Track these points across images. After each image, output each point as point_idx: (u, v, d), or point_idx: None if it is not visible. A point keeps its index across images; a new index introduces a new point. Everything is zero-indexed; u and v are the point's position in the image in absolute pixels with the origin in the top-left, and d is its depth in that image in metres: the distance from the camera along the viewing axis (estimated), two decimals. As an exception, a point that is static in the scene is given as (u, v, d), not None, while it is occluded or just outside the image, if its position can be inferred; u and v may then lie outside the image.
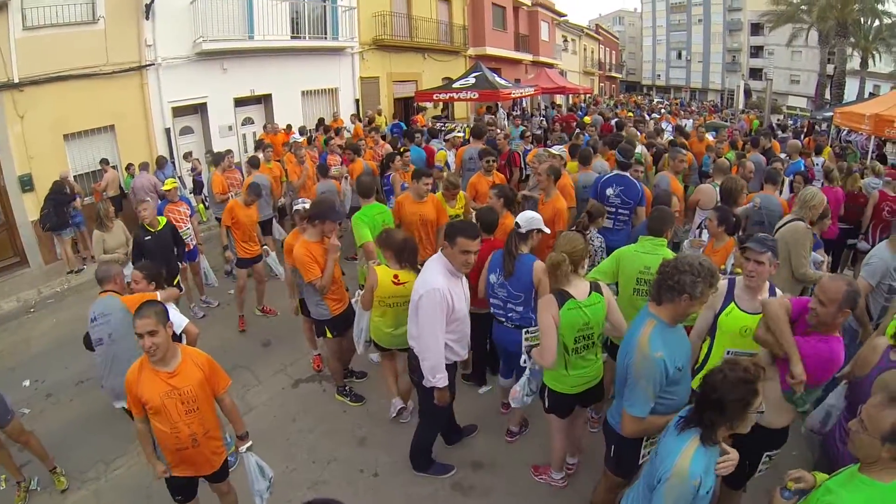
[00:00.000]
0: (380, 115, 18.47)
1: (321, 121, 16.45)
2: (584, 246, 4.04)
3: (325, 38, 18.01)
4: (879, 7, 31.50)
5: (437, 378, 4.11)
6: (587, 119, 17.45)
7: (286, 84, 16.92)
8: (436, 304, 3.98)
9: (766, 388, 3.08)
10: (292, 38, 16.66)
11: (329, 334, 5.62)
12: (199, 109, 14.71)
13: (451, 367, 4.34)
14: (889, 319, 4.29)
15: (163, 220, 7.17)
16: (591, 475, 4.53)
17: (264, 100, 16.72)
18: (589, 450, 4.89)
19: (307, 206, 5.96)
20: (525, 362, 4.36)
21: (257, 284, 8.07)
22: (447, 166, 10.42)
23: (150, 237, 6.90)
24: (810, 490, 2.64)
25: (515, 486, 4.72)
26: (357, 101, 19.97)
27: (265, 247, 8.05)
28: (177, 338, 4.49)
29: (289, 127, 15.59)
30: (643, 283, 4.55)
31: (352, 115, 18.07)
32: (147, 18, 12.56)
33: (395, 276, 4.84)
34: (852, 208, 8.03)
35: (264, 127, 15.41)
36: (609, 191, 7.01)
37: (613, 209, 6.94)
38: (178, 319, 4.76)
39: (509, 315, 4.71)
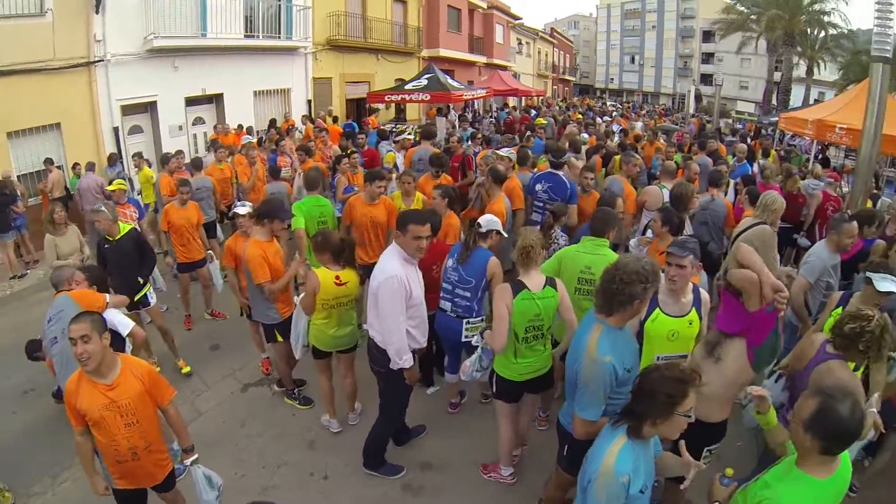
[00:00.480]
0: (331, 115, 18.43)
1: (273, 121, 16.32)
2: (541, 239, 4.22)
3: (279, 37, 17.84)
4: (825, 18, 32.82)
5: (403, 360, 4.24)
6: (540, 121, 17.77)
7: (238, 84, 16.74)
8: (395, 290, 4.09)
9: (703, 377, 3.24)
10: (246, 36, 16.45)
11: (279, 338, 5.57)
12: (149, 108, 14.44)
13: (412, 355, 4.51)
14: (826, 315, 4.57)
15: (124, 228, 6.47)
16: (540, 472, 4.64)
17: (216, 99, 16.49)
18: (537, 447, 5.04)
19: (246, 209, 6.06)
20: (477, 341, 4.45)
21: (203, 289, 7.90)
22: (396, 168, 10.44)
23: (109, 246, 6.34)
24: (748, 479, 2.74)
25: (465, 485, 4.82)
26: (309, 101, 19.92)
27: (209, 252, 7.75)
28: (122, 341, 4.50)
29: (240, 127, 15.42)
30: (585, 282, 4.66)
31: (303, 116, 18.00)
32: (97, 13, 12.27)
33: (337, 277, 4.87)
34: (792, 208, 8.40)
35: (215, 127, 15.16)
36: (538, 186, 7.37)
37: (541, 204, 7.31)
38: (124, 322, 4.70)
39: (455, 300, 4.91)
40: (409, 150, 10.66)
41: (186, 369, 6.56)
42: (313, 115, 18.74)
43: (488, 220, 4.97)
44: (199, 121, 16.22)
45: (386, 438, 4.90)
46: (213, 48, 15.37)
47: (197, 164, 9.34)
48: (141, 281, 6.38)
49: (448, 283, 4.99)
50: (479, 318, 4.95)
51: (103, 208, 6.39)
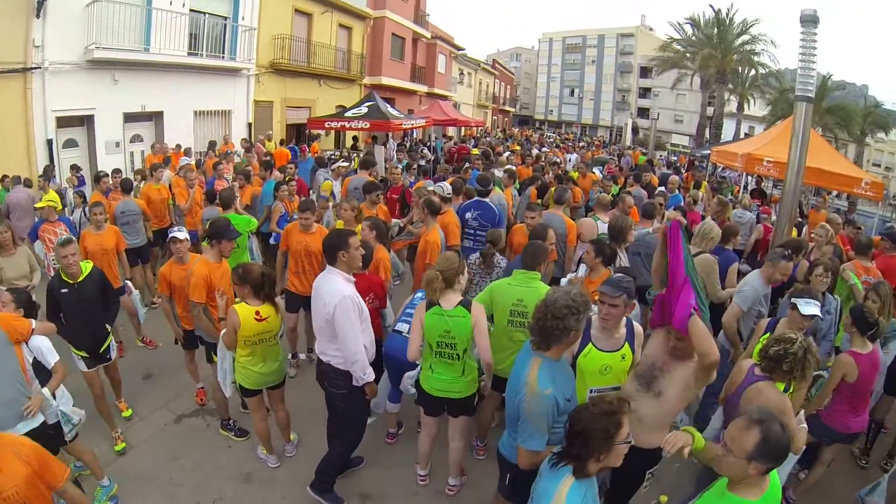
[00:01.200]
0: (270, 140, 18.33)
1: (212, 143, 15.84)
2: (459, 264, 4.41)
3: (223, 57, 17.68)
4: (755, 58, 35.14)
5: (367, 373, 4.36)
6: (474, 151, 18.09)
7: (179, 102, 16.45)
8: (349, 309, 4.20)
9: (641, 409, 3.45)
10: (189, 54, 16.25)
11: (215, 358, 5.24)
12: (86, 121, 14.13)
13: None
14: (755, 341, 4.88)
15: (87, 268, 5.41)
16: (480, 502, 4.85)
17: (155, 117, 16.16)
18: (477, 478, 5.16)
19: (184, 234, 5.92)
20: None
21: (129, 317, 7.23)
22: (333, 196, 10.45)
23: (67, 290, 5.23)
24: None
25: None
26: (250, 124, 19.74)
27: (127, 282, 6.98)
28: (47, 372, 4.25)
29: (178, 147, 15.01)
30: (517, 314, 4.72)
31: (242, 140, 17.71)
32: (38, 16, 11.94)
33: (257, 313, 4.76)
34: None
35: (152, 146, 14.66)
36: (468, 214, 7.81)
37: (472, 231, 7.75)
38: (50, 354, 4.31)
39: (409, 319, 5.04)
40: (345, 180, 10.64)
41: (127, 412, 6.04)
42: (253, 139, 18.53)
43: None
44: (136, 138, 15.88)
45: (344, 460, 4.93)
46: (155, 64, 15.09)
47: (126, 187, 8.82)
48: (108, 328, 5.58)
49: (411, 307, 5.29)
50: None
51: (72, 240, 5.42)
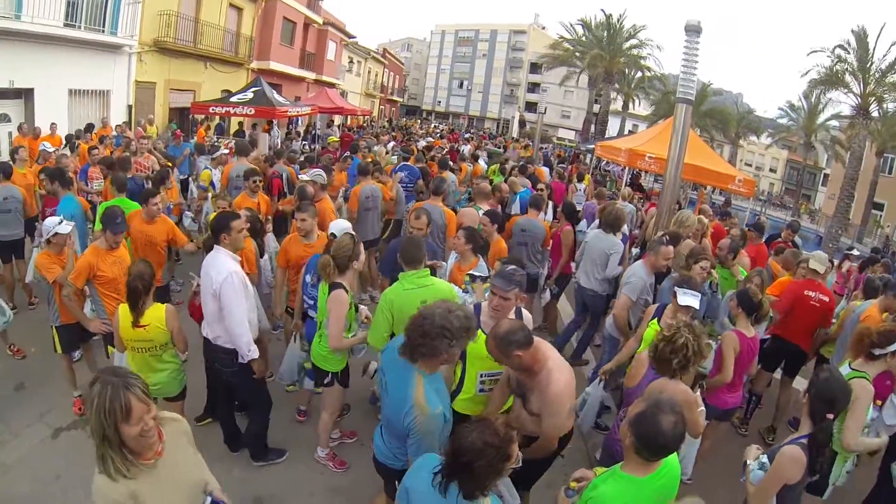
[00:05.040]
0: (151, 124, 17.34)
1: (89, 126, 14.56)
2: (354, 250, 4.57)
3: (103, 31, 16.51)
4: (642, 62, 37.63)
5: (252, 350, 4.43)
6: (332, 139, 18.51)
7: (52, 79, 15.25)
8: (236, 286, 4.31)
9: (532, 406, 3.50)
10: (66, 25, 14.95)
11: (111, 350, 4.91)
12: None
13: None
14: (644, 326, 5.10)
15: None
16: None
17: (25, 94, 14.96)
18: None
19: (70, 227, 5.54)
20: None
21: None
22: (212, 186, 9.86)
23: None
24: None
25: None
26: (130, 107, 18.70)
27: None
28: None
29: (54, 128, 13.70)
30: None
31: (120, 125, 16.14)
32: None
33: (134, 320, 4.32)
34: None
35: (19, 127, 12.99)
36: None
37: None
38: None
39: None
40: (225, 167, 10.03)
41: None
42: (133, 123, 17.60)
43: (340, 228, 5.48)
44: (3, 118, 14.72)
45: (263, 428, 5.00)
46: (26, 34, 13.78)
47: (6, 171, 7.56)
48: None
49: (310, 297, 5.19)
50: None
51: None
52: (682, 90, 7.76)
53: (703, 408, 3.84)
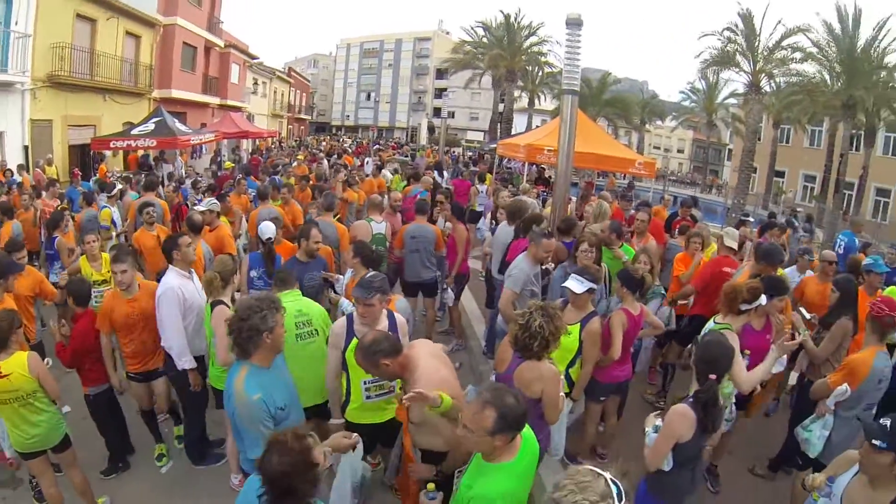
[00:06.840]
0: (50, 165, 16.86)
1: None
2: (233, 266, 5.04)
3: None
4: (542, 59, 38.81)
5: (184, 360, 4.94)
6: (228, 164, 18.94)
7: None
8: (170, 299, 4.88)
9: (414, 413, 3.46)
10: None
11: None
12: None
13: (198, 360, 5.08)
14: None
15: None
16: None
17: None
18: None
19: None
20: None
21: None
22: (113, 224, 9.66)
23: None
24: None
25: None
26: (26, 147, 17.97)
27: None
28: None
29: None
30: (303, 325, 4.63)
31: (18, 166, 15.56)
32: None
33: None
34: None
35: None
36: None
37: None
38: None
39: None
40: (132, 203, 9.79)
41: None
42: (31, 164, 16.91)
43: (266, 228, 6.22)
44: None
45: (197, 432, 5.42)
46: None
47: None
48: None
49: (257, 290, 5.84)
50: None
51: None
52: (566, 82, 7.74)
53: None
